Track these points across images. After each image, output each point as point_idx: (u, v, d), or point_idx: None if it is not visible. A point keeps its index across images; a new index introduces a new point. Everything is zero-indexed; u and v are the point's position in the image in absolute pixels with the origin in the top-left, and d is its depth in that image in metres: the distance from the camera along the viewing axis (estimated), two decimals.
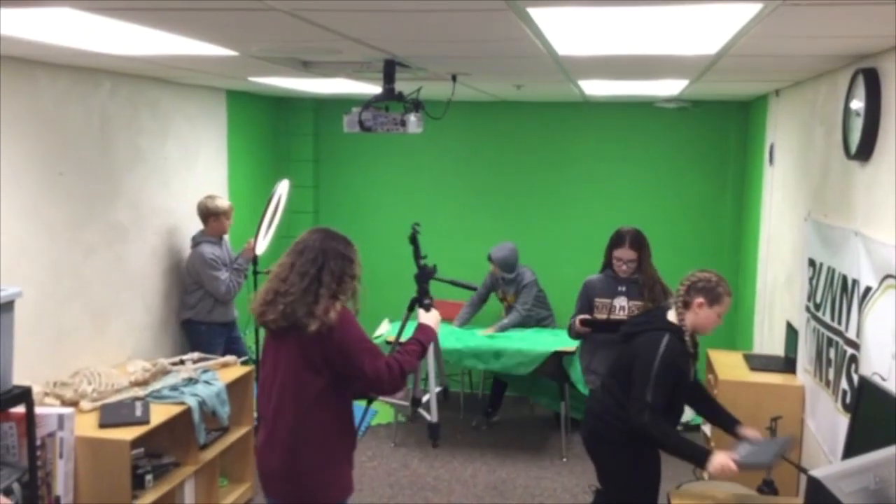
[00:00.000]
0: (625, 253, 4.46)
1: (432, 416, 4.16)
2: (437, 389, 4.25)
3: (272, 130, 7.09)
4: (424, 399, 4.18)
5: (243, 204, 6.41)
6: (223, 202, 5.40)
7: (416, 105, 4.03)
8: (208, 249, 5.25)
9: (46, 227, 4.15)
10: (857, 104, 3.45)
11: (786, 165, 5.18)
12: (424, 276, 3.93)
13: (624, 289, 4.51)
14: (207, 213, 5.29)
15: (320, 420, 2.94)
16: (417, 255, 4.02)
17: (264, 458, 3.05)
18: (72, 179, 4.34)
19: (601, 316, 4.51)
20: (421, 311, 3.46)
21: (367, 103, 3.95)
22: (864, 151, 3.38)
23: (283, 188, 5.82)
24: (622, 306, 4.51)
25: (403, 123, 3.94)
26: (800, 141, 4.77)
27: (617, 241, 4.54)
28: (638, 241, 4.49)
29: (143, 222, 5.03)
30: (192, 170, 5.62)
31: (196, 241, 5.31)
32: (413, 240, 4.06)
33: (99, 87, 4.54)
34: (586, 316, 4.49)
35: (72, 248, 4.35)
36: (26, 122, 3.99)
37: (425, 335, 3.24)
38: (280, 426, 2.98)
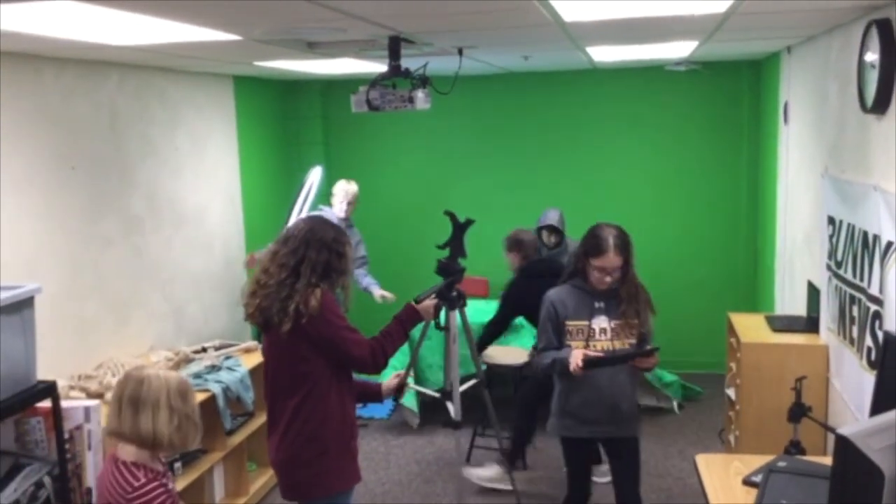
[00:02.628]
0: (610, 261, 3.38)
1: (455, 414, 4.11)
2: (469, 384, 4.23)
3: (281, 114, 7.08)
4: (459, 390, 4.15)
5: (256, 189, 6.42)
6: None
7: (423, 81, 4.00)
8: None
9: (62, 222, 4.17)
10: (872, 56, 3.39)
11: (801, 123, 5.10)
12: (451, 271, 3.85)
13: (602, 305, 3.46)
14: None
15: (315, 411, 2.91)
16: (457, 244, 3.91)
17: (270, 451, 3.06)
18: (84, 173, 4.35)
19: (596, 350, 3.43)
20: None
21: (374, 81, 3.92)
22: (881, 104, 3.32)
23: (314, 176, 5.82)
24: (602, 328, 3.45)
25: (411, 100, 3.91)
26: (814, 97, 4.70)
27: (596, 245, 3.42)
28: (624, 243, 3.44)
29: (157, 213, 5.04)
30: (202, 158, 5.62)
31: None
32: (462, 226, 3.93)
33: (106, 79, 4.54)
34: (590, 353, 3.38)
35: (89, 242, 4.37)
36: (35, 119, 3.99)
37: (408, 316, 3.20)
38: (277, 418, 2.98)
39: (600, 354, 3.41)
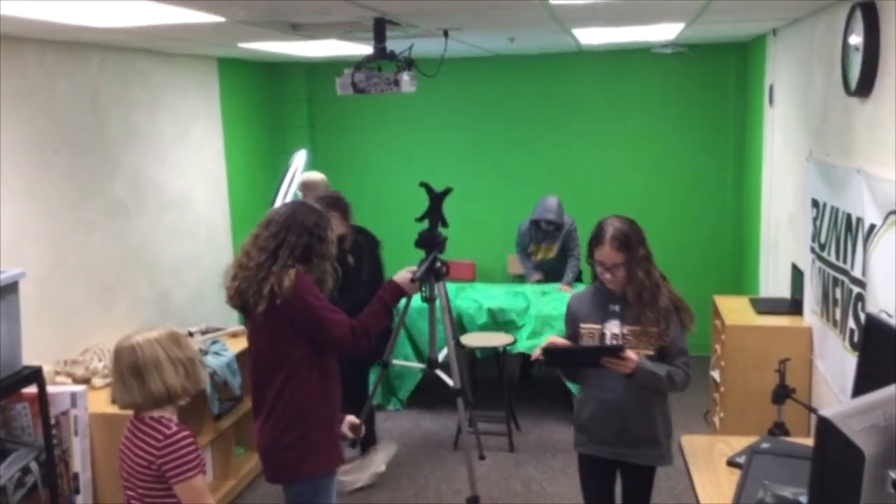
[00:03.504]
0: (605, 254, 3.03)
1: (454, 381, 3.94)
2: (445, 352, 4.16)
3: (266, 97, 7.03)
4: (441, 358, 4.11)
5: (241, 173, 6.38)
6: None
7: (409, 63, 3.98)
8: None
9: (46, 206, 4.14)
10: (856, 39, 3.40)
11: (786, 106, 5.12)
12: (429, 241, 3.81)
13: (617, 308, 3.09)
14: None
15: (296, 394, 2.90)
16: (436, 214, 3.87)
17: (255, 435, 3.06)
18: (67, 157, 4.31)
19: (590, 343, 3.10)
20: (401, 272, 3.27)
21: (359, 64, 3.90)
22: (864, 87, 3.34)
23: (299, 159, 5.78)
24: (614, 334, 3.09)
25: (397, 83, 3.90)
26: (799, 80, 4.71)
27: (595, 236, 3.09)
28: (625, 238, 3.02)
29: (141, 197, 5.01)
30: (186, 141, 5.58)
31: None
32: (438, 196, 3.90)
33: (87, 61, 4.49)
34: (558, 342, 3.10)
35: (72, 227, 4.34)
36: (16, 102, 3.95)
37: (391, 293, 3.15)
38: (260, 402, 2.99)
39: (566, 345, 3.10)
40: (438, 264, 3.77)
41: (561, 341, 3.11)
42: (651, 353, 3.02)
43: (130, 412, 2.51)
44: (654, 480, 3.21)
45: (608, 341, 3.05)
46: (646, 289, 3.01)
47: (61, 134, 4.27)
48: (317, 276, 2.93)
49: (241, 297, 2.88)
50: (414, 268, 3.35)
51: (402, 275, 3.23)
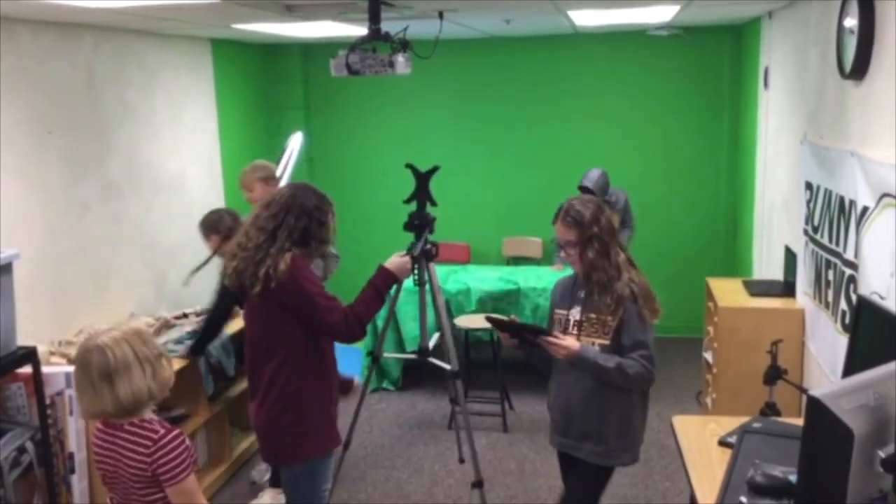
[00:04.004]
0: (559, 232, 3.00)
1: (451, 363, 3.83)
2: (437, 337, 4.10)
3: (261, 78, 7.00)
4: (432, 345, 4.09)
5: (236, 155, 6.37)
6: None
7: (404, 45, 3.96)
8: None
9: (40, 187, 4.13)
10: (851, 21, 3.40)
11: (781, 88, 5.12)
12: (419, 223, 3.77)
13: (582, 294, 3.00)
14: None
15: (292, 377, 2.91)
16: (423, 193, 3.82)
17: (250, 416, 3.07)
18: (62, 138, 4.30)
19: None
20: (392, 257, 3.23)
21: (354, 45, 3.88)
22: (859, 70, 3.34)
23: (295, 142, 5.75)
24: (576, 321, 2.99)
25: (391, 65, 3.88)
26: (794, 63, 4.71)
27: (555, 213, 3.06)
28: (578, 215, 2.93)
29: (135, 178, 5.00)
30: (181, 122, 5.57)
31: None
32: (425, 176, 3.86)
33: (82, 42, 4.47)
34: (495, 317, 3.14)
35: (67, 208, 4.34)
36: (10, 82, 3.93)
37: (383, 279, 3.11)
38: (256, 384, 2.99)
39: (503, 318, 3.11)
40: (428, 246, 3.75)
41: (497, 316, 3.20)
42: (605, 342, 2.90)
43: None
44: (603, 482, 3.03)
45: (571, 328, 2.99)
46: (598, 270, 2.88)
47: (56, 115, 4.25)
48: (314, 260, 2.93)
49: (239, 278, 2.87)
50: (403, 252, 3.35)
51: (393, 260, 3.19)
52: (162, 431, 2.28)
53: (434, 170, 3.85)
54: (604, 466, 3.02)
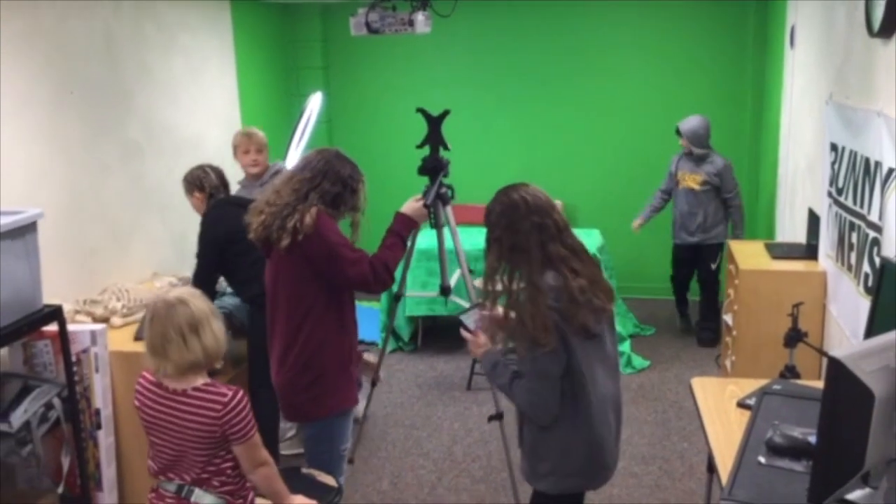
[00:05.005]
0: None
1: (472, 301, 3.57)
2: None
3: (279, 38, 6.97)
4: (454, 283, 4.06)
5: (255, 116, 6.36)
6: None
7: (424, 3, 3.93)
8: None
9: (62, 147, 4.15)
10: None
11: (807, 47, 5.03)
12: (433, 167, 3.73)
13: None
14: None
15: (313, 335, 2.93)
16: (436, 137, 3.79)
17: (271, 374, 3.10)
18: (82, 98, 4.31)
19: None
20: (408, 202, 3.24)
21: (373, 4, 3.85)
22: (888, 28, 3.27)
23: (314, 103, 5.74)
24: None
25: (411, 23, 3.85)
26: (821, 21, 4.61)
27: None
28: (488, 212, 2.51)
29: (155, 139, 5.01)
30: (200, 83, 5.56)
31: None
32: (437, 119, 3.83)
33: (101, 4, 4.46)
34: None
35: (89, 168, 4.36)
36: (30, 42, 3.93)
37: (402, 224, 3.14)
38: (276, 341, 3.02)
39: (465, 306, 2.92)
40: (444, 189, 3.73)
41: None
42: (510, 347, 2.50)
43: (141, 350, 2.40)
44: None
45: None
46: (491, 278, 2.44)
47: (76, 75, 4.26)
48: (340, 220, 2.97)
49: (266, 231, 2.89)
50: (419, 196, 3.36)
51: (410, 204, 3.22)
52: (230, 393, 2.34)
53: (445, 114, 3.82)
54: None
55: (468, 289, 3.89)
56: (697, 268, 6.03)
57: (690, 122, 5.76)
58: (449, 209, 3.84)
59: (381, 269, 2.95)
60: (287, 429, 4.56)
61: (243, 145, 4.62)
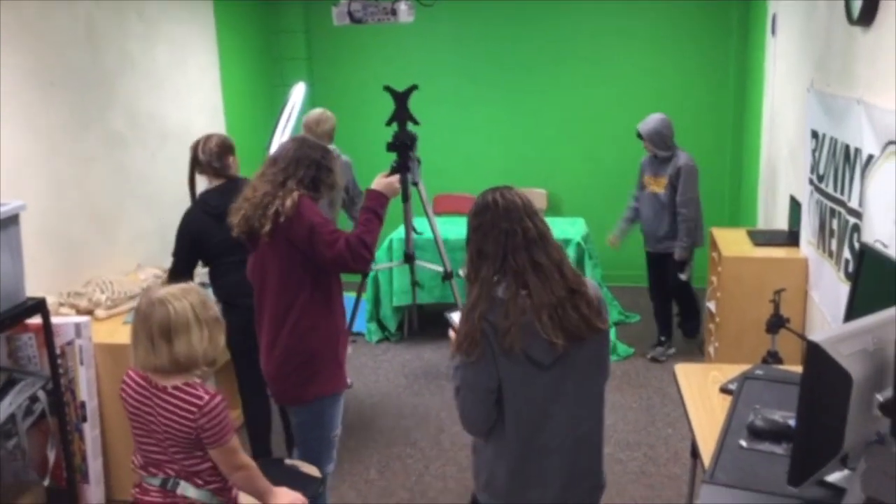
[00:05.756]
0: None
1: (445, 265, 3.92)
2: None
3: (262, 28, 6.93)
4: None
5: (239, 106, 6.34)
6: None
7: None
8: None
9: (44, 139, 4.12)
10: None
11: (788, 36, 5.06)
12: (401, 142, 3.70)
13: None
14: None
15: (301, 321, 2.96)
16: (404, 113, 3.76)
17: (261, 360, 3.12)
18: (64, 89, 4.28)
19: None
20: (377, 178, 3.21)
21: None
22: (867, 16, 3.30)
23: (298, 93, 5.73)
24: None
25: (394, 13, 3.86)
26: (802, 9, 4.64)
27: None
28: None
29: (139, 129, 4.99)
30: (183, 73, 5.53)
31: None
32: (403, 95, 3.81)
33: None
34: None
35: (72, 159, 4.34)
36: (11, 33, 3.90)
37: (374, 200, 3.11)
38: (265, 328, 3.04)
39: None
40: (416, 161, 3.74)
41: None
42: None
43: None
44: None
45: None
46: (468, 274, 2.35)
47: (57, 65, 4.23)
48: (323, 203, 2.99)
49: (248, 223, 2.92)
50: (386, 171, 3.37)
51: (379, 180, 3.19)
52: (207, 397, 2.29)
53: (412, 89, 3.83)
54: None
55: (440, 252, 3.94)
56: (670, 278, 5.42)
57: (650, 123, 5.19)
58: (421, 184, 3.86)
59: (359, 246, 2.93)
60: None
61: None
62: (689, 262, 5.28)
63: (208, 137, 3.83)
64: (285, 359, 2.98)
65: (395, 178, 3.24)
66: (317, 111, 5.12)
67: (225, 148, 3.79)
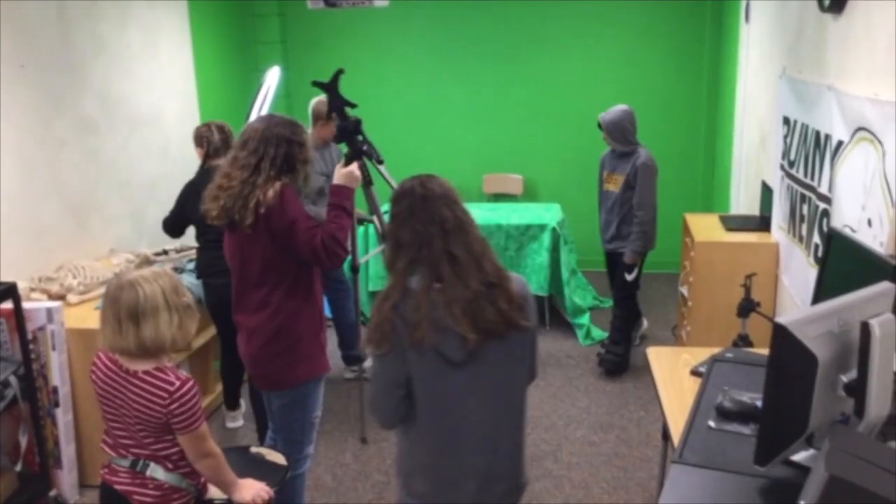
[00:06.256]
0: None
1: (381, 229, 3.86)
2: None
3: (236, 12, 6.86)
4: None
5: (212, 90, 6.29)
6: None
7: None
8: None
9: (14, 123, 4.07)
10: None
11: (761, 22, 5.10)
12: (345, 131, 3.66)
13: None
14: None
15: (283, 304, 2.95)
16: (338, 101, 3.70)
17: (239, 345, 3.11)
18: (34, 72, 4.22)
19: None
20: (337, 168, 3.17)
21: None
22: (837, 4, 3.34)
23: (272, 77, 5.68)
24: None
25: None
26: None
27: None
28: None
29: (111, 113, 4.93)
30: (156, 56, 5.47)
31: None
32: (331, 85, 3.74)
33: None
34: None
35: (43, 144, 4.29)
36: None
37: (338, 195, 3.07)
38: (244, 313, 3.03)
39: None
40: (365, 147, 3.68)
41: None
42: None
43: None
44: None
45: None
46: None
47: (27, 50, 4.17)
48: (300, 181, 2.96)
49: (228, 215, 2.88)
50: (342, 163, 3.34)
51: (339, 173, 3.14)
52: (178, 383, 2.28)
53: (338, 74, 3.74)
54: None
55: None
56: (617, 279, 5.13)
57: (611, 114, 4.87)
58: (382, 167, 3.81)
59: (331, 243, 2.90)
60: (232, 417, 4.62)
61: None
62: (638, 265, 4.96)
63: (221, 125, 4.32)
64: (267, 342, 2.97)
65: (353, 166, 3.19)
66: (321, 99, 4.97)
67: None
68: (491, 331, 2.09)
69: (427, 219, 2.12)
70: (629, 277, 4.98)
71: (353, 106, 3.67)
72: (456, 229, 2.13)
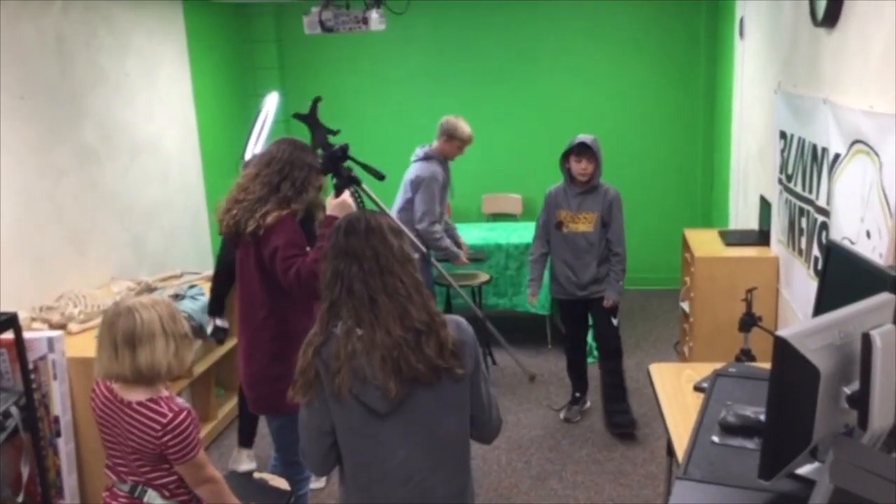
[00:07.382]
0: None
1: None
2: None
3: (234, 38, 6.92)
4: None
5: (211, 116, 6.32)
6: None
7: (378, 1, 3.94)
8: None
9: (14, 153, 4.08)
10: None
11: (756, 38, 5.13)
12: (332, 159, 3.64)
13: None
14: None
15: (280, 328, 2.96)
16: (321, 131, 3.68)
17: (239, 367, 3.11)
18: (34, 103, 4.25)
19: None
20: (329, 199, 3.11)
21: (326, 2, 3.86)
22: (831, 18, 3.36)
23: (271, 102, 5.72)
24: None
25: (365, 21, 3.87)
26: (769, 12, 4.71)
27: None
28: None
29: (111, 142, 4.96)
30: (154, 85, 5.51)
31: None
32: (311, 116, 3.71)
33: (50, 5, 4.40)
34: None
35: (43, 173, 4.30)
36: None
37: (328, 227, 2.96)
38: (242, 336, 3.05)
39: None
40: (352, 173, 3.64)
41: None
42: None
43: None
44: None
45: None
46: None
47: (26, 79, 4.20)
48: (307, 203, 3.01)
49: (237, 226, 2.92)
50: (332, 194, 3.26)
51: (330, 204, 3.07)
52: (170, 415, 2.27)
53: (316, 102, 3.69)
54: None
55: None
56: (594, 325, 4.76)
57: (591, 138, 4.43)
58: (369, 190, 3.80)
59: (309, 277, 2.80)
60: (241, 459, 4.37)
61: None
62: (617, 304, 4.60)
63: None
64: (265, 366, 2.97)
65: (345, 194, 3.13)
66: (456, 118, 5.12)
67: None
68: (416, 380, 1.94)
69: (348, 258, 1.97)
70: (616, 321, 4.61)
71: (334, 133, 3.64)
72: (379, 272, 1.96)
